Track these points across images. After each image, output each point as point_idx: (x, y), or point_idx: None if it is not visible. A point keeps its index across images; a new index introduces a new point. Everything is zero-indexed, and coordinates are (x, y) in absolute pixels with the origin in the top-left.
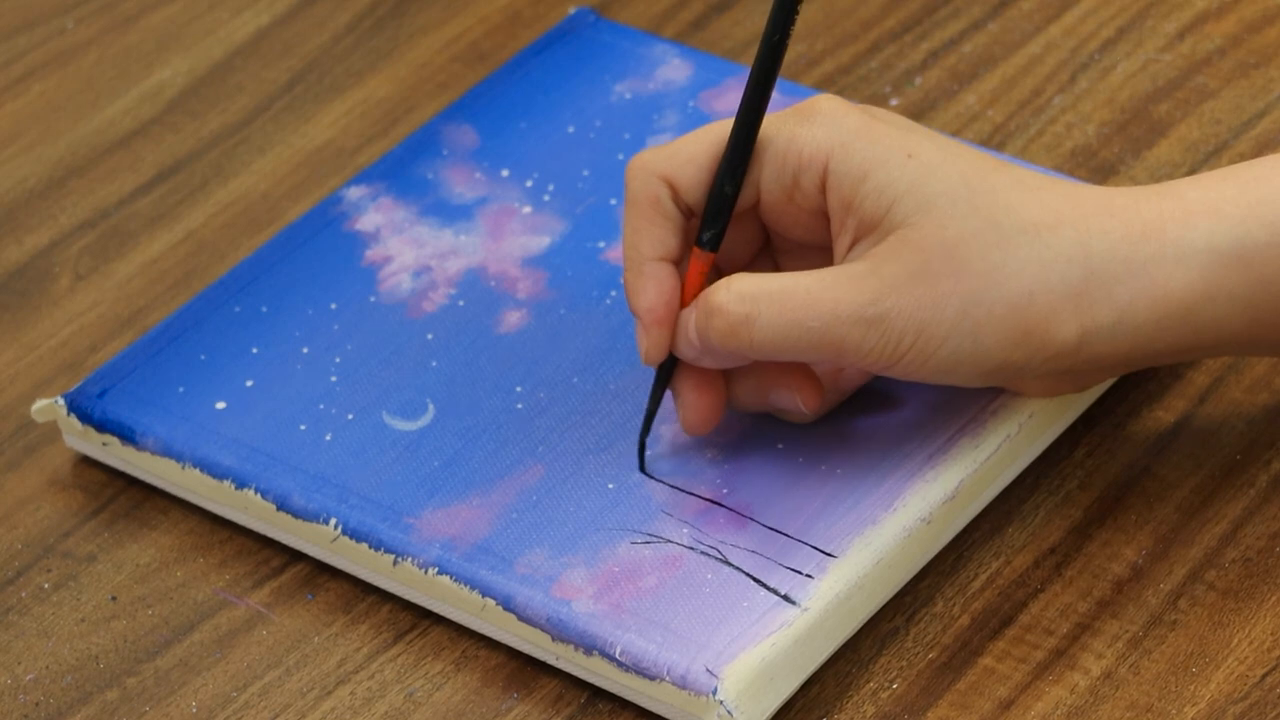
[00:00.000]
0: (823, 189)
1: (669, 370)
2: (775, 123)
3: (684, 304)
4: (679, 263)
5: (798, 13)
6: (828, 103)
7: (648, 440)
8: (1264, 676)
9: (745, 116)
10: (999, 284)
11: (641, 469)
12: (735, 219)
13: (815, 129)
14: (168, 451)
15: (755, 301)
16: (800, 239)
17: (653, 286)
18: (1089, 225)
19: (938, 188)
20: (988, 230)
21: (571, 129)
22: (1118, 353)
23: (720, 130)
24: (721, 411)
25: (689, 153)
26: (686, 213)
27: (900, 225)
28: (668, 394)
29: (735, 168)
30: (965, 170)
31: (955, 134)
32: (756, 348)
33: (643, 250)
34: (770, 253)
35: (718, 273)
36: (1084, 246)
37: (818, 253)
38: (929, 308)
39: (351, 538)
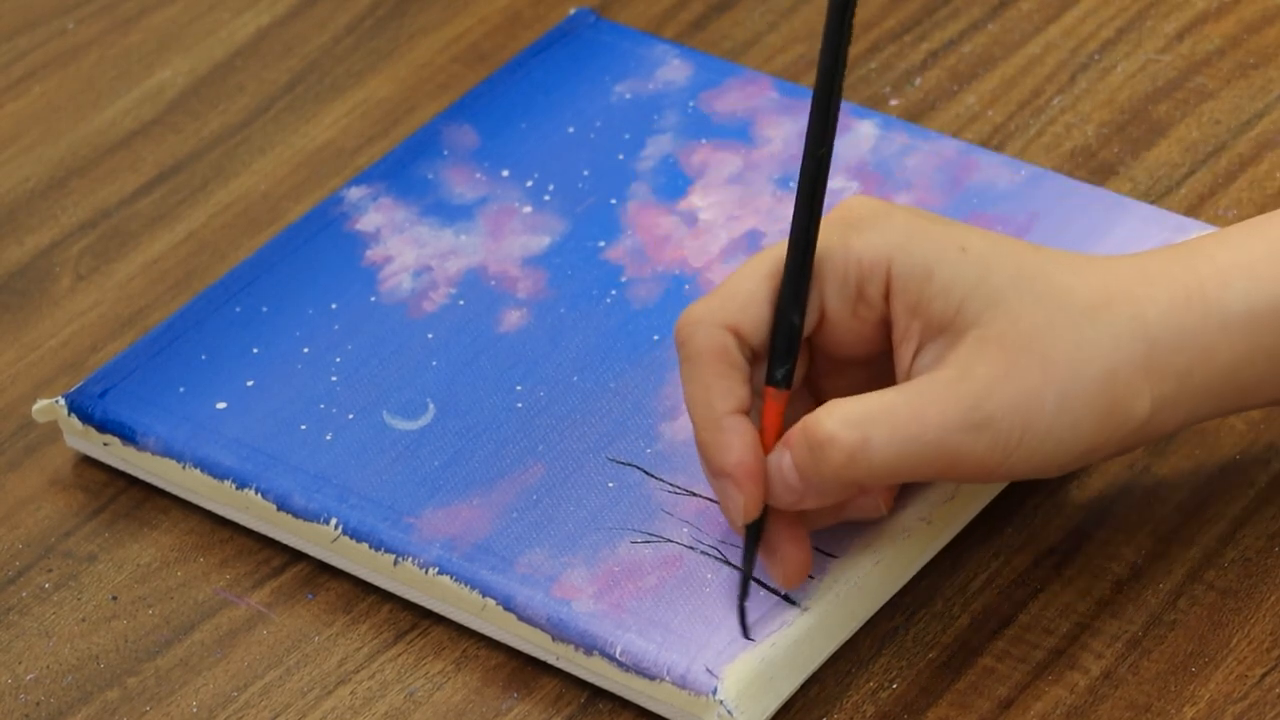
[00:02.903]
0: (887, 296)
1: (760, 524)
2: (824, 237)
3: (766, 449)
4: (748, 412)
5: (837, 120)
6: (863, 204)
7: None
8: (1263, 676)
9: (799, 239)
10: (1082, 367)
11: (745, 635)
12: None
13: (869, 235)
14: (168, 451)
15: (865, 425)
16: (854, 355)
17: (738, 441)
18: (1137, 295)
19: (1000, 281)
20: (1057, 316)
21: (571, 129)
22: (1175, 420)
23: (768, 262)
24: (811, 557)
25: (746, 293)
26: (750, 358)
27: (974, 324)
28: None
29: (799, 295)
30: (1016, 258)
31: (955, 134)
32: (875, 472)
33: (716, 407)
34: (807, 384)
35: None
36: (1139, 319)
37: (861, 369)
38: (1028, 403)
39: (352, 538)
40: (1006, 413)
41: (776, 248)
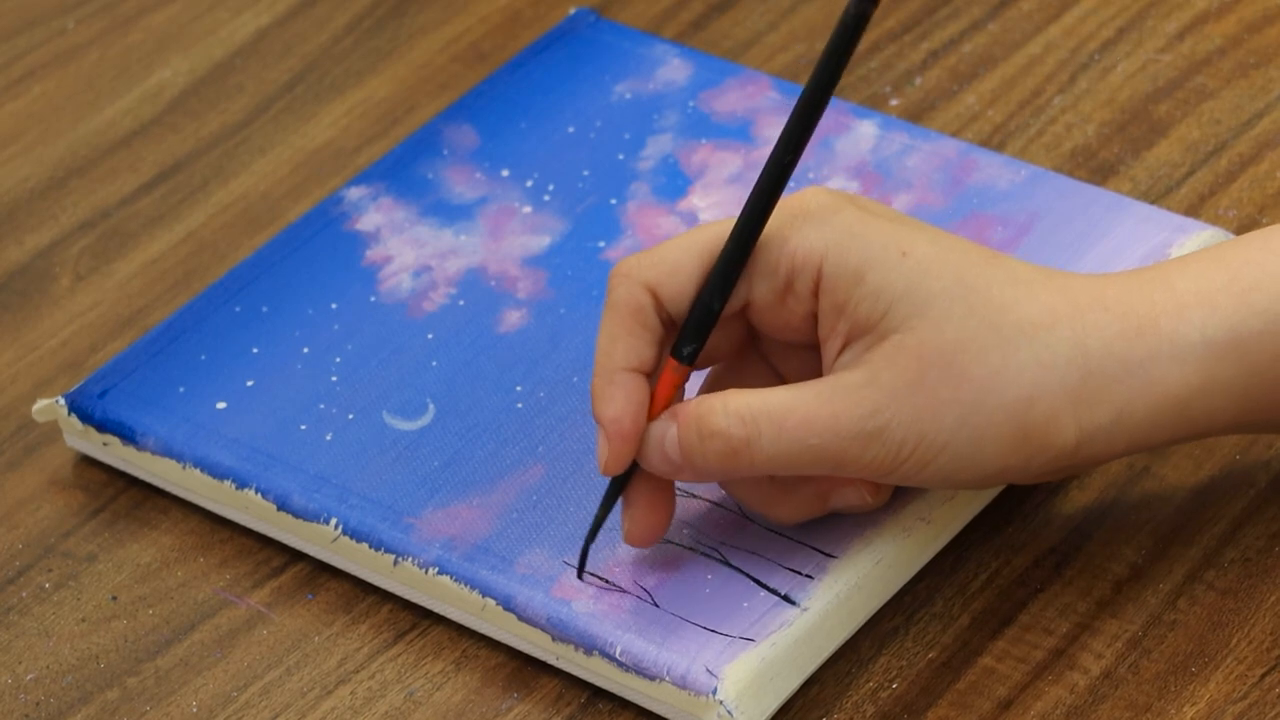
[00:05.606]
0: (816, 292)
1: (624, 480)
2: (765, 226)
3: (653, 414)
4: (651, 373)
5: (811, 133)
6: (816, 197)
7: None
8: (1263, 676)
9: (742, 234)
10: (998, 390)
11: (580, 576)
12: (719, 322)
13: (808, 229)
14: (168, 451)
15: (755, 423)
16: (788, 340)
17: (621, 397)
18: (1084, 322)
19: (934, 288)
20: (986, 333)
21: (571, 129)
22: (1114, 449)
23: (708, 238)
24: (667, 527)
25: (675, 261)
26: (667, 323)
27: (897, 329)
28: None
29: (725, 286)
30: (960, 267)
31: (955, 134)
32: (758, 467)
33: (615, 359)
34: (759, 350)
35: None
36: (1080, 346)
37: (811, 353)
38: (928, 417)
39: (352, 538)
40: (902, 423)
41: (722, 223)
